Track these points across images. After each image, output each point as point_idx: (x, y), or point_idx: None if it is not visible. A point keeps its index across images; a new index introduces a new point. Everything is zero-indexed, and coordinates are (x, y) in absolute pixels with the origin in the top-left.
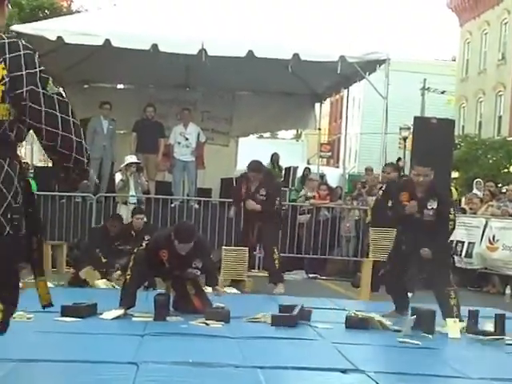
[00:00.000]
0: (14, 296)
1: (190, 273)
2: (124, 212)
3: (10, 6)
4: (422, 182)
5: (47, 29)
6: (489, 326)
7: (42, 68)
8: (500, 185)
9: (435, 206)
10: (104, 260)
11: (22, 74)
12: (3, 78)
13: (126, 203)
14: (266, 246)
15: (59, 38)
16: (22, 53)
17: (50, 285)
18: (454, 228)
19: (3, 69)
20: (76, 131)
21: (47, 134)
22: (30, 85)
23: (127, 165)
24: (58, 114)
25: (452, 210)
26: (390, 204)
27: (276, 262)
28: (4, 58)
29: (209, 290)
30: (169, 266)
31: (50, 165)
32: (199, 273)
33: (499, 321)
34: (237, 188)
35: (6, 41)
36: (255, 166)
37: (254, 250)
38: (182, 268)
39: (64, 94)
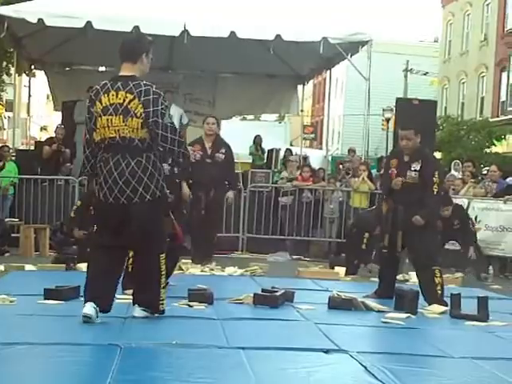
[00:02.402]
0: None
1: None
2: None
3: (150, 59)
4: (405, 145)
5: (28, 11)
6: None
7: (163, 106)
8: (482, 166)
9: (418, 168)
10: None
11: (149, 111)
12: (141, 114)
13: None
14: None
15: (40, 20)
16: (151, 97)
17: (32, 268)
18: (439, 192)
19: (141, 107)
20: (177, 143)
21: (160, 143)
22: (154, 117)
23: None
24: (168, 134)
25: (436, 172)
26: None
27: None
28: (141, 100)
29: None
30: None
31: (32, 148)
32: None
33: (482, 303)
34: None
35: (143, 88)
36: None
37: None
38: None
39: (173, 122)
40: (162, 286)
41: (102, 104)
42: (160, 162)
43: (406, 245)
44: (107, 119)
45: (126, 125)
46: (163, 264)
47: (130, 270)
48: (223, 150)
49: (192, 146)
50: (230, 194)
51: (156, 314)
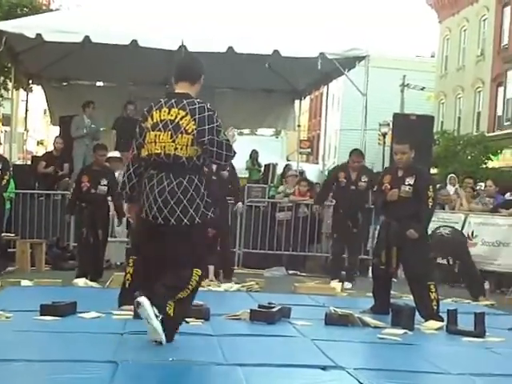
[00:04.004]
0: None
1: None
2: None
3: (202, 81)
4: (400, 159)
5: (26, 26)
6: (469, 325)
7: (218, 123)
8: (478, 181)
9: (412, 182)
10: None
11: (204, 129)
12: (193, 131)
13: None
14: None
15: (38, 35)
16: (205, 114)
17: (28, 283)
18: (433, 207)
19: (193, 124)
20: (226, 157)
21: (215, 160)
22: (210, 135)
23: (109, 158)
24: (223, 152)
25: (431, 187)
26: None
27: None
28: (195, 118)
29: None
30: None
31: (29, 163)
32: None
33: (479, 319)
34: None
35: (197, 106)
36: None
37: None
38: None
39: (230, 140)
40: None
41: (152, 120)
42: (204, 188)
43: (400, 260)
44: (155, 135)
45: (173, 141)
46: (196, 281)
47: (127, 286)
48: (227, 168)
49: None
50: (240, 205)
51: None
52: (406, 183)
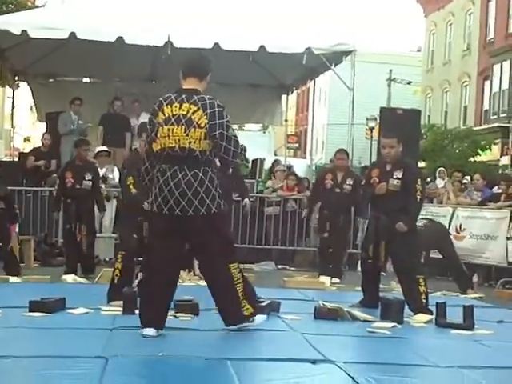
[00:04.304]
0: None
1: None
2: None
3: (209, 78)
4: (388, 153)
5: (11, 23)
6: (458, 318)
7: (228, 119)
8: (465, 174)
9: (400, 175)
10: None
11: (215, 124)
12: (205, 125)
13: None
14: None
15: (24, 31)
16: (216, 109)
17: (17, 280)
18: (422, 200)
19: (205, 118)
20: (234, 154)
21: (222, 155)
22: (220, 129)
23: (97, 153)
24: (231, 147)
25: (419, 180)
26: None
27: None
28: (206, 112)
29: None
30: None
31: (16, 159)
32: None
33: (467, 312)
34: None
35: (208, 101)
36: None
37: None
38: None
39: (236, 135)
40: (241, 293)
41: (164, 114)
42: (217, 178)
43: (388, 254)
44: (168, 129)
45: (187, 135)
46: (236, 273)
47: (115, 281)
48: (232, 165)
49: None
50: (247, 201)
51: (247, 323)
52: (394, 177)
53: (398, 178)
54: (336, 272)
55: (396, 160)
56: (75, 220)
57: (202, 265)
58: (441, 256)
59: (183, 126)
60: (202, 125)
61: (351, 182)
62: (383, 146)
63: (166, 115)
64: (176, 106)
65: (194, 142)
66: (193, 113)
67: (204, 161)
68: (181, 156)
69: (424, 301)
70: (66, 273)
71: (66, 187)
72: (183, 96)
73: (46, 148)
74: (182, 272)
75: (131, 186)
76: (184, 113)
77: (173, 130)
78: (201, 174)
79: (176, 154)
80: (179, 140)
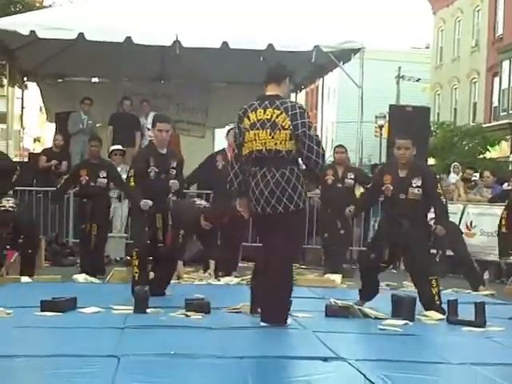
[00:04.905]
0: None
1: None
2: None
3: (287, 82)
4: (403, 155)
5: (20, 23)
6: (469, 315)
7: (309, 119)
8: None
9: (420, 183)
10: None
11: (298, 123)
12: (289, 126)
13: None
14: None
15: (32, 32)
16: (297, 111)
17: (28, 279)
18: (446, 200)
19: (289, 120)
20: (320, 156)
21: (306, 153)
22: (303, 128)
23: (111, 152)
24: (314, 146)
25: (438, 184)
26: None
27: None
28: (289, 114)
29: None
30: None
31: (26, 160)
32: None
33: (479, 309)
34: None
35: (289, 104)
36: None
37: None
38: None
39: (318, 134)
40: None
41: (249, 120)
42: (303, 176)
43: (401, 258)
44: (254, 133)
45: (272, 138)
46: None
47: (136, 279)
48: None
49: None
50: None
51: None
52: (414, 185)
53: (418, 187)
54: (341, 269)
55: (410, 164)
56: (90, 220)
57: (268, 259)
58: (452, 253)
59: (268, 130)
60: (286, 126)
61: (352, 176)
62: (398, 147)
63: (252, 121)
64: (260, 112)
65: (280, 143)
66: (276, 116)
67: (291, 160)
68: (268, 157)
69: (437, 302)
70: (80, 273)
71: (81, 185)
72: (266, 102)
73: (57, 148)
74: (182, 268)
75: (131, 179)
76: (268, 117)
77: (258, 134)
78: (288, 173)
79: (263, 156)
80: (265, 143)
